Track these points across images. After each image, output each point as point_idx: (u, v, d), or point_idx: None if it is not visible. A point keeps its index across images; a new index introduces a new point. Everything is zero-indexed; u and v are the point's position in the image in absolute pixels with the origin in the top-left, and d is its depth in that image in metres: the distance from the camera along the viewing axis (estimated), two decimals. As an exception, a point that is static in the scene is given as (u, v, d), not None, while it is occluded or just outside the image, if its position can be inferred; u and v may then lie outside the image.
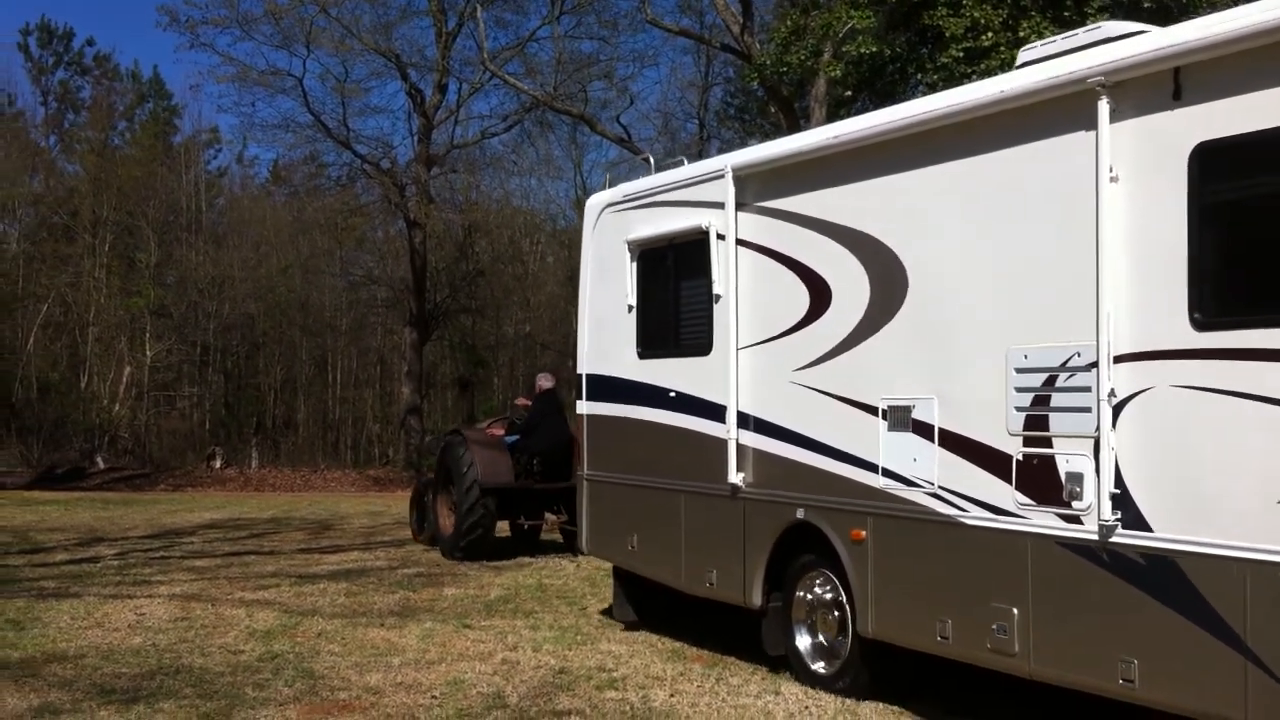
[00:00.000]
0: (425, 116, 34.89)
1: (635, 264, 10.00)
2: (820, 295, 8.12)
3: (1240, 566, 5.57)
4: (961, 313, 7.09)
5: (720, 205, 8.93)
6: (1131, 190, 6.12)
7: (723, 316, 8.92)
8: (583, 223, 10.99)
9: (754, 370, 8.69)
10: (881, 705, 7.68)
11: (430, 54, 34.81)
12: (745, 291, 8.79)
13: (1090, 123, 6.25)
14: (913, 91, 18.98)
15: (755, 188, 8.73)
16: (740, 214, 8.82)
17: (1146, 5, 15.72)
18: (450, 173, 36.99)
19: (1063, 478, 6.40)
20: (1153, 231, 6.02)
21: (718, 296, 8.96)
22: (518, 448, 15.21)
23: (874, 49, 18.27)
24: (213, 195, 48.42)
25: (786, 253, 8.42)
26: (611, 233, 10.36)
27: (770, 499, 8.50)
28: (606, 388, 10.42)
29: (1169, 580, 5.89)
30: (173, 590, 12.40)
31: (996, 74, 13.01)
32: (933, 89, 16.05)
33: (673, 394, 9.49)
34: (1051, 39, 7.09)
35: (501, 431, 15.84)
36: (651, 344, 9.86)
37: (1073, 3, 16.13)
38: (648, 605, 10.42)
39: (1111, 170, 6.16)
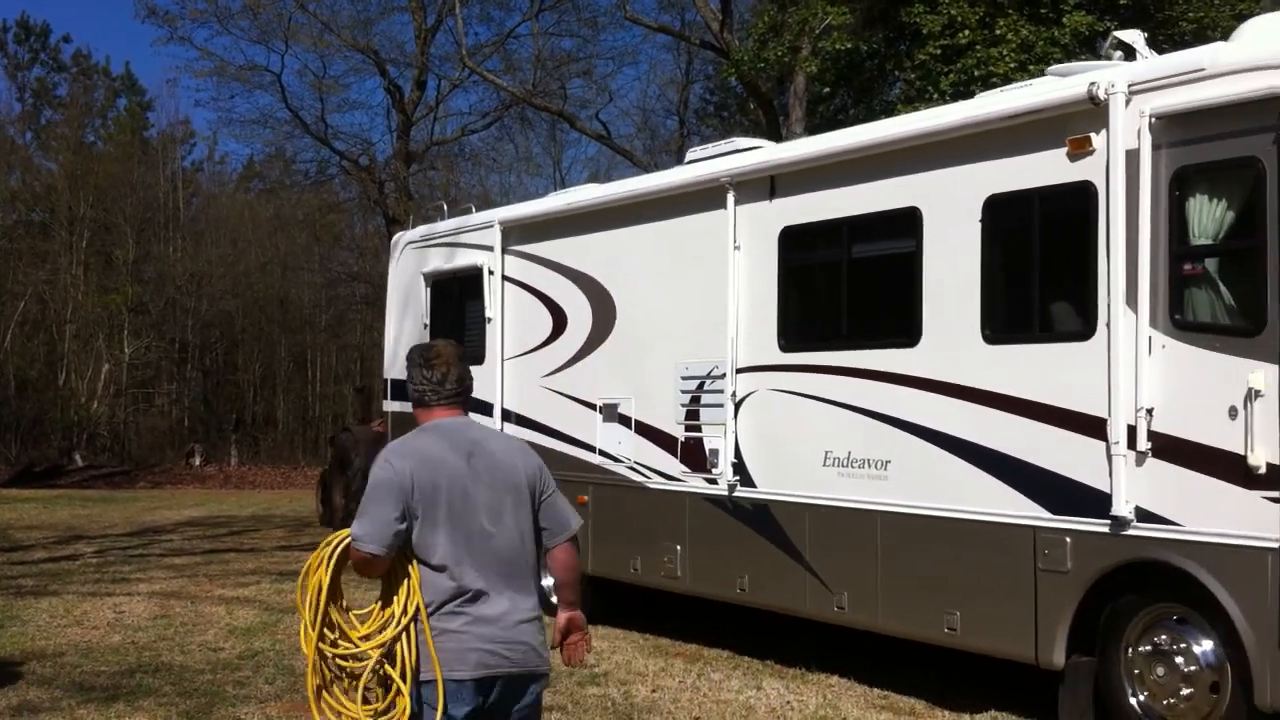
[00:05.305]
0: (404, 113, 34.23)
1: (429, 290, 12.54)
2: (560, 320, 10.81)
3: (802, 508, 8.45)
4: (650, 336, 9.86)
5: (491, 249, 11.54)
6: (748, 256, 8.97)
7: (493, 334, 11.52)
8: (389, 255, 13.50)
9: (514, 376, 11.33)
10: (862, 697, 8.01)
11: (409, 50, 34.12)
12: (509, 316, 11.42)
13: (724, 207, 9.08)
14: (891, 88, 19.01)
15: (516, 236, 11.38)
16: (506, 256, 11.45)
17: (1123, 3, 16.16)
18: (430, 169, 36.61)
19: (707, 453, 9.21)
20: (759, 284, 8.87)
21: (489, 319, 11.56)
22: None
23: (849, 45, 17.99)
24: (189, 192, 47.56)
25: (537, 287, 11.09)
26: (411, 265, 12.89)
27: (525, 475, 11.12)
28: (405, 390, 12.90)
29: (766, 520, 8.75)
30: (152, 588, 12.36)
31: (973, 73, 15.01)
32: (910, 86, 16.87)
33: (456, 394, 12.04)
34: (706, 145, 9.95)
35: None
36: (441, 355, 12.39)
37: (1049, 1, 15.93)
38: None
39: (736, 241, 9.00)
